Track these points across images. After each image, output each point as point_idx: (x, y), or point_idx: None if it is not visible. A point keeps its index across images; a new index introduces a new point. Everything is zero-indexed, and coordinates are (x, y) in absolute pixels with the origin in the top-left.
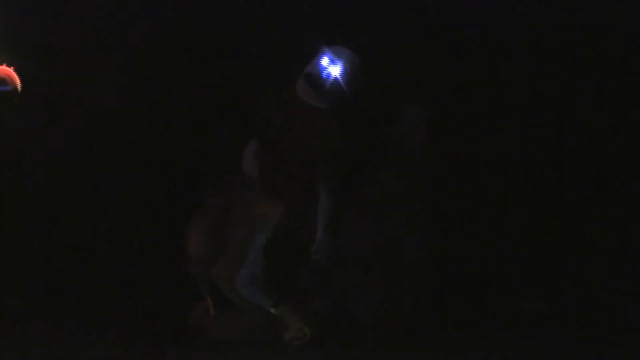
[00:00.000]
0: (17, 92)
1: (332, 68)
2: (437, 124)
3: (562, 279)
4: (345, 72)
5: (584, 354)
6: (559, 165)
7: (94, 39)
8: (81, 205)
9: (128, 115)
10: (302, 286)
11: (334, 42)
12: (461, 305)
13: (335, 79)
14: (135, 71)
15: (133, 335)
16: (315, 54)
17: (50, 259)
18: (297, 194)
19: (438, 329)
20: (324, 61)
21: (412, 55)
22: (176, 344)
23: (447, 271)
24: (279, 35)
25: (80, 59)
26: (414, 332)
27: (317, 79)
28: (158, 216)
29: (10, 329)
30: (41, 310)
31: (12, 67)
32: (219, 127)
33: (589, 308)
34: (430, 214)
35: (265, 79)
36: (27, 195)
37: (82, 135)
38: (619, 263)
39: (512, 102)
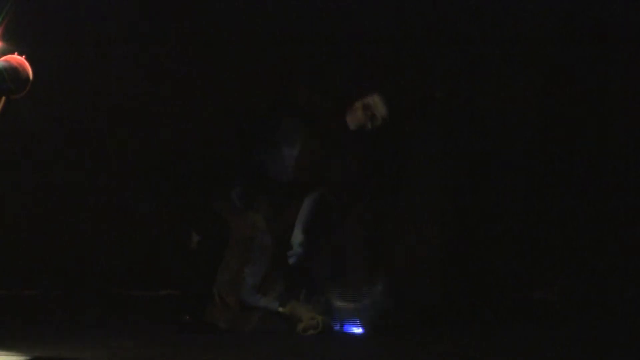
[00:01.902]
0: (29, 81)
1: None
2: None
3: (574, 271)
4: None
5: (594, 345)
6: (575, 159)
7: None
8: (98, 200)
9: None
10: (312, 280)
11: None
12: (474, 296)
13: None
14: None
15: (149, 325)
16: None
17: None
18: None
19: (453, 318)
20: None
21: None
22: (196, 335)
23: (462, 262)
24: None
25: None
26: (428, 322)
27: None
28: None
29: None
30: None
31: (23, 56)
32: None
33: (599, 299)
34: (445, 208)
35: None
36: (44, 190)
37: (110, 127)
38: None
39: (530, 100)
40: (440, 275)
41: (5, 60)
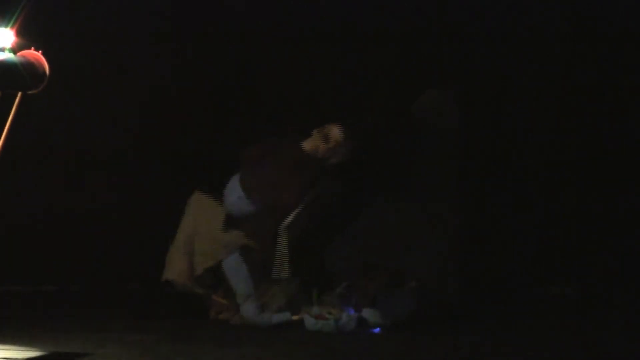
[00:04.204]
0: (46, 76)
1: None
2: (468, 110)
3: (592, 266)
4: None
5: (608, 343)
6: (591, 155)
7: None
8: (115, 197)
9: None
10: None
11: None
12: (493, 291)
13: None
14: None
15: (166, 321)
16: None
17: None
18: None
19: (470, 313)
20: None
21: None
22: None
23: (479, 258)
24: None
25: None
26: (446, 318)
27: None
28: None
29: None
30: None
31: (40, 51)
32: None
33: (617, 294)
34: (462, 203)
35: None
36: (62, 185)
37: (128, 123)
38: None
39: (543, 90)
40: (457, 272)
41: (22, 56)
